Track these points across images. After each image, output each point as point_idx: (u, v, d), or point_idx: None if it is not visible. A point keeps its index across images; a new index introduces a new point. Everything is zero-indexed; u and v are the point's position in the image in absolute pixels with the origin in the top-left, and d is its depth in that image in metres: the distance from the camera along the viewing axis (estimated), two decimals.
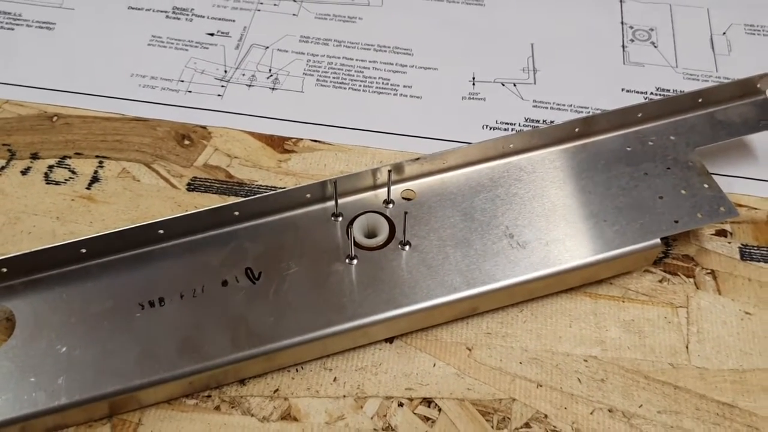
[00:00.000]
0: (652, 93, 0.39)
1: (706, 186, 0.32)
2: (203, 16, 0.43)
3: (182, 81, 0.40)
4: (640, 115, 0.34)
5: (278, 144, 0.37)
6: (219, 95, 0.39)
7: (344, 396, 0.29)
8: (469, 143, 0.33)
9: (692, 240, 0.33)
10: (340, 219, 0.32)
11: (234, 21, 0.43)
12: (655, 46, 0.42)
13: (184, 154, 0.37)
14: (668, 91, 0.39)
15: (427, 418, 0.28)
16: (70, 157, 0.36)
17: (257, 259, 0.30)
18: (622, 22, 0.43)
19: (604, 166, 0.33)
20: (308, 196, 0.32)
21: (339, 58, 0.41)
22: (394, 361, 0.29)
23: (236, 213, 0.31)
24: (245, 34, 0.42)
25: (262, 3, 0.44)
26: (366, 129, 0.38)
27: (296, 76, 0.40)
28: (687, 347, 0.30)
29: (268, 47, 0.42)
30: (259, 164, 0.36)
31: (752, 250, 0.33)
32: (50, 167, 0.36)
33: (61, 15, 0.43)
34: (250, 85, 0.40)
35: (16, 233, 0.33)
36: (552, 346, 0.30)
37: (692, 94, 0.34)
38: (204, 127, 0.38)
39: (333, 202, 0.32)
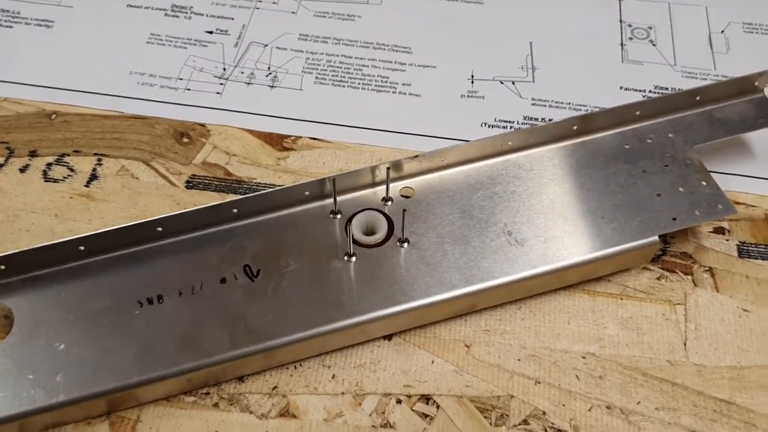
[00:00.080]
0: (650, 91, 0.39)
1: (704, 183, 0.32)
2: (202, 14, 0.43)
3: (181, 79, 0.40)
4: (638, 112, 0.34)
5: (277, 142, 0.37)
6: (218, 93, 0.39)
7: (343, 393, 0.29)
8: (468, 141, 0.33)
9: (690, 237, 0.33)
10: (339, 216, 0.32)
11: (233, 19, 0.43)
12: (654, 45, 0.42)
13: (183, 152, 0.37)
14: (667, 89, 0.40)
15: (425, 415, 0.28)
16: (68, 155, 0.36)
17: (256, 256, 0.30)
18: (620, 21, 0.43)
19: (602, 163, 0.33)
20: (307, 193, 0.32)
21: (338, 56, 0.41)
22: (392, 358, 0.30)
23: (235, 210, 0.31)
24: (244, 32, 0.42)
25: (261, 1, 0.44)
26: (365, 127, 0.38)
27: (295, 74, 0.40)
28: (685, 344, 0.30)
29: (266, 45, 0.42)
30: (258, 162, 0.36)
31: (750, 248, 0.33)
32: (49, 165, 0.36)
33: (60, 13, 0.43)
34: (248, 83, 0.40)
35: (14, 231, 0.33)
36: (550, 343, 0.30)
37: (690, 92, 0.34)
38: (203, 125, 0.38)
39: (332, 200, 0.32)
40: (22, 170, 0.36)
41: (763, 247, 0.33)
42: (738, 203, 0.34)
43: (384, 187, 0.32)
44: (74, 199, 0.35)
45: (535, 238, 0.31)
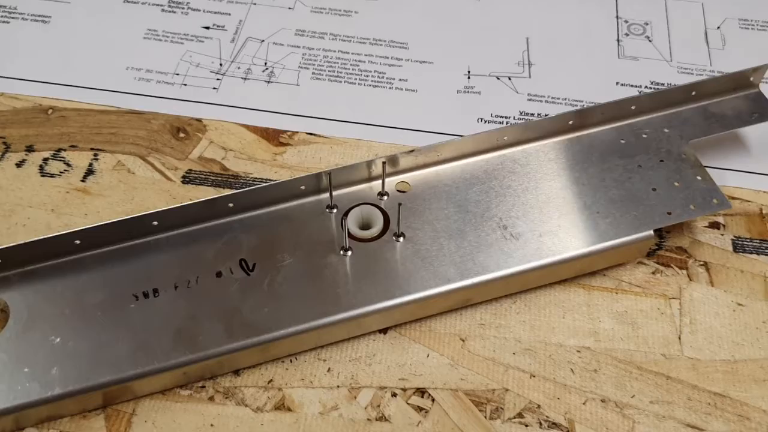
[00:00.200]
0: (646, 87, 0.40)
1: (699, 178, 0.32)
2: (199, 10, 0.43)
3: (177, 74, 0.40)
4: (633, 107, 0.34)
5: (273, 137, 0.37)
6: (214, 88, 0.39)
7: (338, 386, 0.29)
8: (464, 136, 0.33)
9: (685, 232, 0.33)
10: (335, 211, 0.32)
11: (230, 14, 0.43)
12: (650, 40, 0.42)
13: (179, 147, 0.37)
14: (663, 84, 0.40)
15: (420, 408, 0.28)
16: (65, 150, 0.36)
17: (252, 250, 0.30)
18: (617, 17, 0.43)
19: (597, 158, 0.33)
20: (303, 188, 0.32)
21: (335, 51, 0.41)
22: (388, 351, 0.30)
23: (231, 205, 0.31)
24: (241, 28, 0.42)
25: None
26: (361, 122, 0.38)
27: (292, 70, 0.40)
28: (679, 338, 0.30)
29: (263, 41, 0.42)
30: (254, 157, 0.36)
31: (745, 242, 0.33)
32: (45, 160, 0.36)
33: (57, 8, 0.43)
34: (245, 79, 0.40)
35: (10, 225, 0.33)
36: (545, 337, 0.30)
37: (686, 87, 0.35)
38: (199, 120, 0.38)
39: (328, 194, 0.32)
40: (19, 165, 0.36)
41: (757, 241, 0.33)
42: (733, 198, 0.34)
43: (380, 181, 0.32)
44: (70, 193, 0.35)
45: (530, 232, 0.31)
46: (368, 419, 0.28)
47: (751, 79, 0.35)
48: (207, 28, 0.42)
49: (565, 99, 0.39)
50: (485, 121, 0.38)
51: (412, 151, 0.32)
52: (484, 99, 0.39)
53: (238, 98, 0.39)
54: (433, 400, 0.28)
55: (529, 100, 0.39)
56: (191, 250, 0.30)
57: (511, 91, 0.40)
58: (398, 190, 0.32)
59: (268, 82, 0.40)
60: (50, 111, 0.38)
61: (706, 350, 0.30)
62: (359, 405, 0.28)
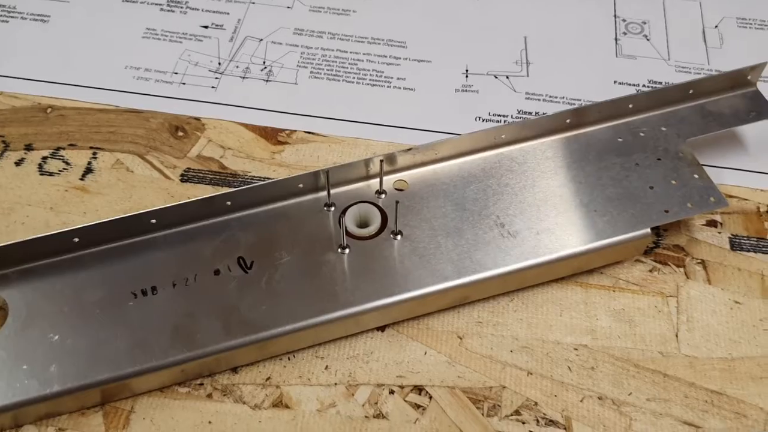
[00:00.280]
0: (644, 85, 0.40)
1: (696, 176, 0.33)
2: (197, 9, 0.43)
3: (176, 73, 0.40)
4: (631, 106, 0.35)
5: (272, 135, 0.37)
6: (213, 87, 0.40)
7: (336, 384, 0.29)
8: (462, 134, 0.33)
9: (683, 230, 0.33)
10: (333, 209, 0.32)
11: (228, 13, 0.43)
12: (648, 39, 0.42)
13: (178, 146, 0.37)
14: (660, 83, 0.40)
15: (417, 406, 0.28)
16: (64, 149, 0.37)
17: (250, 248, 0.30)
18: (615, 16, 0.43)
19: (595, 156, 0.34)
20: (301, 186, 0.32)
21: (333, 50, 0.41)
22: (385, 349, 0.30)
23: (229, 203, 0.31)
24: (239, 27, 0.42)
25: None
26: (359, 121, 0.38)
27: (290, 69, 0.40)
28: (677, 336, 0.30)
29: (262, 39, 0.42)
30: (253, 156, 0.37)
31: (742, 240, 0.33)
32: (44, 158, 0.36)
33: (56, 7, 0.43)
34: (244, 77, 0.40)
35: (9, 224, 0.33)
36: (542, 334, 0.30)
37: (683, 85, 0.35)
38: (198, 119, 0.38)
39: (325, 192, 0.32)
40: (18, 164, 0.36)
41: (755, 239, 0.33)
42: (730, 196, 0.34)
43: (378, 180, 0.32)
44: (69, 192, 0.35)
45: (527, 230, 0.31)
46: (366, 416, 0.28)
47: (749, 77, 0.35)
48: (206, 27, 0.43)
49: (563, 98, 0.39)
50: (483, 120, 0.38)
51: (409, 149, 0.32)
52: (482, 98, 0.39)
53: (236, 97, 0.39)
54: (430, 397, 0.28)
55: (527, 98, 0.39)
56: (189, 248, 0.30)
57: (509, 89, 0.40)
58: (396, 189, 0.33)
59: (267, 81, 0.40)
60: (49, 110, 0.38)
61: (703, 348, 0.30)
62: (357, 402, 0.28)
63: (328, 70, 0.41)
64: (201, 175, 0.36)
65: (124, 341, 0.28)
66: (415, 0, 0.44)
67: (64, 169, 0.36)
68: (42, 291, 0.29)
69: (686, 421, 0.28)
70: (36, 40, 0.42)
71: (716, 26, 0.42)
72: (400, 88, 0.40)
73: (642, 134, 0.34)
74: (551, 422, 0.28)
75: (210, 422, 0.28)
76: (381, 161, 0.32)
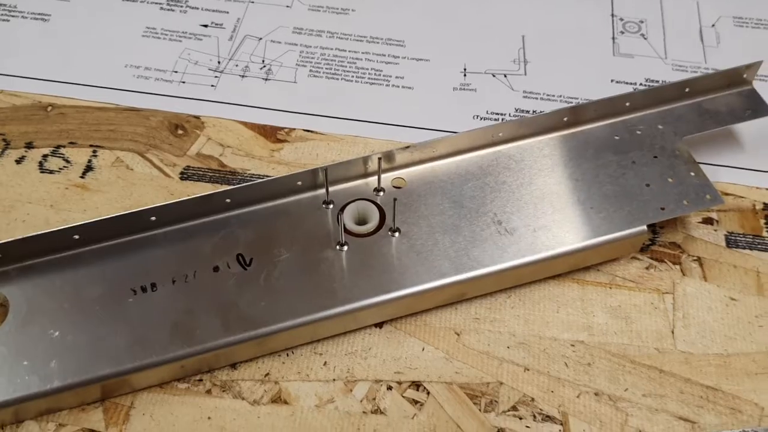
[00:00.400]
0: (641, 84, 0.40)
1: (692, 174, 0.33)
2: (197, 8, 0.44)
3: (176, 72, 0.40)
4: (628, 104, 0.35)
5: (271, 134, 0.38)
6: (212, 86, 0.40)
7: (334, 380, 0.29)
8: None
9: (679, 228, 0.34)
10: (331, 206, 0.32)
11: (228, 12, 0.43)
12: (645, 38, 0.42)
13: (178, 144, 0.37)
14: (657, 82, 0.40)
15: (415, 401, 0.28)
16: (64, 147, 0.37)
17: (249, 245, 0.31)
18: (612, 15, 0.43)
19: (592, 154, 0.34)
20: (299, 183, 0.32)
21: (332, 49, 0.42)
22: (383, 345, 0.30)
23: (228, 200, 0.31)
24: (239, 26, 0.43)
25: None
26: (358, 119, 0.38)
27: (289, 67, 0.41)
28: (673, 332, 0.30)
29: (261, 38, 0.42)
30: (252, 154, 0.37)
31: (738, 238, 0.33)
32: (44, 156, 0.36)
33: (56, 6, 0.44)
34: (243, 76, 0.40)
35: (10, 221, 0.34)
36: (539, 331, 0.30)
37: (679, 84, 0.35)
38: (197, 117, 0.38)
39: (324, 190, 0.32)
40: (18, 161, 0.36)
41: (750, 237, 0.33)
42: (726, 194, 0.35)
43: (376, 177, 0.32)
44: (69, 189, 0.35)
45: (524, 227, 0.31)
46: (364, 412, 0.28)
47: (745, 76, 0.36)
48: (205, 26, 0.43)
49: (561, 96, 0.39)
50: (481, 118, 0.38)
51: (407, 147, 0.33)
52: (479, 96, 0.39)
53: (236, 95, 0.39)
54: (428, 393, 0.29)
55: (524, 97, 0.39)
56: (189, 245, 0.31)
57: (507, 88, 0.40)
58: (394, 186, 0.33)
59: (266, 79, 0.40)
60: (50, 108, 0.38)
61: (698, 344, 0.30)
62: (355, 398, 0.28)
63: (327, 68, 0.41)
64: (200, 172, 0.36)
65: (124, 337, 0.28)
66: None
67: (65, 167, 0.36)
68: (42, 287, 0.29)
69: (682, 417, 0.28)
70: (36, 39, 0.42)
71: (713, 25, 0.42)
72: (398, 86, 0.40)
73: (639, 132, 0.35)
74: (548, 418, 0.28)
75: (209, 418, 0.28)
76: (379, 159, 0.32)
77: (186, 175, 0.36)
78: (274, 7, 0.44)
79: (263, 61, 0.41)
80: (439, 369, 0.29)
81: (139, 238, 0.31)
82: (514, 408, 0.28)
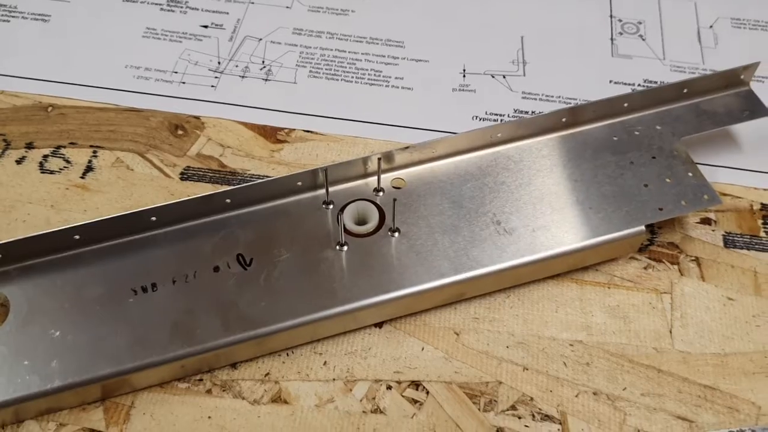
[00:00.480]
0: (639, 85, 0.40)
1: (690, 175, 0.33)
2: (197, 9, 0.44)
3: (176, 72, 0.40)
4: (626, 105, 0.35)
5: (271, 134, 0.38)
6: (212, 86, 0.40)
7: (334, 379, 0.29)
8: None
9: (677, 228, 0.34)
10: (331, 207, 0.32)
11: (228, 13, 0.44)
12: (643, 39, 0.42)
13: (178, 144, 0.37)
14: (656, 82, 0.40)
15: (415, 401, 0.29)
16: (64, 147, 0.37)
17: (249, 245, 0.31)
18: (611, 15, 0.44)
19: (590, 155, 0.34)
20: (299, 184, 0.32)
21: (331, 50, 0.42)
22: (383, 345, 0.30)
23: (228, 200, 0.31)
24: (239, 26, 0.43)
25: None
26: (358, 120, 0.39)
27: (289, 68, 0.41)
28: (671, 332, 0.30)
29: (261, 39, 0.42)
30: (252, 154, 0.37)
31: (736, 238, 0.33)
32: (45, 157, 0.36)
33: (57, 7, 0.44)
34: (243, 77, 0.40)
35: (10, 221, 0.34)
36: (538, 330, 0.30)
37: (677, 84, 0.35)
38: (197, 118, 0.38)
39: (324, 190, 0.32)
40: (19, 162, 0.36)
41: (748, 237, 0.33)
42: (724, 194, 0.35)
43: (375, 178, 0.33)
44: (70, 190, 0.35)
45: (523, 227, 0.31)
46: (363, 412, 0.28)
47: (742, 77, 0.36)
48: (205, 26, 0.43)
49: (559, 97, 0.40)
50: (480, 119, 0.39)
51: (407, 147, 0.33)
52: (479, 97, 0.40)
53: (235, 96, 0.39)
54: (427, 392, 0.29)
55: (523, 98, 0.40)
56: (189, 245, 0.31)
57: (506, 89, 0.40)
58: (393, 186, 0.33)
59: (266, 80, 0.40)
60: (50, 108, 0.39)
61: (696, 344, 0.30)
62: (355, 398, 0.29)
63: (326, 69, 0.41)
64: (201, 173, 0.36)
65: (125, 337, 0.28)
66: (412, 0, 0.44)
67: (65, 167, 0.36)
68: (43, 287, 0.30)
69: (680, 416, 0.28)
70: (37, 40, 0.42)
71: (711, 26, 0.43)
72: (398, 87, 0.40)
73: (637, 133, 0.35)
74: (547, 417, 0.28)
75: (209, 417, 0.28)
76: (379, 159, 0.32)
77: (186, 176, 0.36)
78: (274, 8, 0.44)
79: (263, 61, 0.41)
80: (438, 368, 0.29)
81: (139, 239, 0.31)
82: (513, 407, 0.28)
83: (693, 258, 0.33)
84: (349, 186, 0.33)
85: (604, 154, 0.34)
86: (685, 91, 0.35)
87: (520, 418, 0.28)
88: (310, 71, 0.41)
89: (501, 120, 0.38)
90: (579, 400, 0.29)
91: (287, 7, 0.44)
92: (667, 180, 0.33)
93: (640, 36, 0.42)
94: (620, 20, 0.43)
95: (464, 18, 0.43)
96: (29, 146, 0.37)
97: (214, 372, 0.29)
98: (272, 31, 0.43)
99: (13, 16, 0.43)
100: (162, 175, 0.36)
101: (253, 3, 0.44)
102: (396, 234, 0.31)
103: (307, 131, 0.38)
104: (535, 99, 0.39)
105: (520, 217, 0.31)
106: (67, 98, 0.39)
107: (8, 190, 0.35)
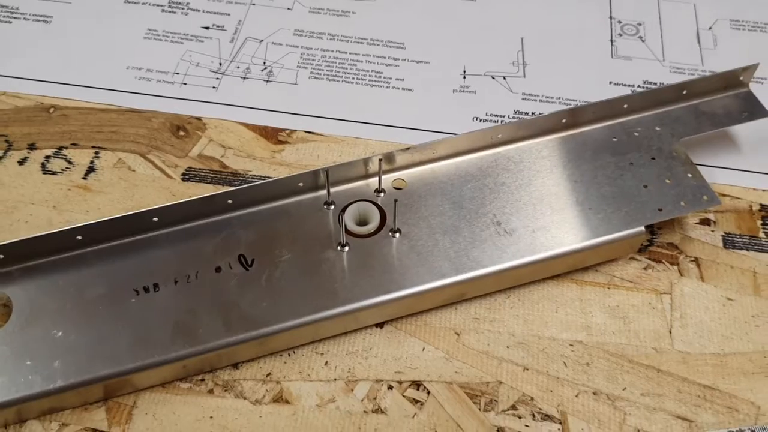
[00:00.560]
0: (639, 86, 0.40)
1: (689, 175, 0.33)
2: (198, 10, 0.44)
3: (177, 73, 0.41)
4: (626, 106, 0.35)
5: (272, 135, 0.38)
6: (214, 87, 0.40)
7: (335, 379, 0.29)
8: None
9: (677, 228, 0.34)
10: (332, 207, 0.32)
11: (229, 15, 0.44)
12: (643, 41, 0.42)
13: (179, 145, 0.37)
14: (655, 84, 0.40)
15: (415, 401, 0.29)
16: (66, 148, 0.37)
17: (250, 246, 0.31)
18: (610, 17, 0.44)
19: (590, 156, 0.34)
20: (301, 184, 0.32)
21: (332, 51, 0.42)
22: (384, 345, 0.30)
23: (230, 201, 0.32)
24: (240, 28, 0.43)
25: None
26: (359, 121, 0.39)
27: (290, 69, 0.41)
28: (670, 332, 0.31)
29: (262, 40, 0.42)
30: (253, 155, 0.37)
31: (735, 239, 0.34)
32: (47, 157, 0.37)
33: (58, 8, 0.44)
34: (244, 78, 0.40)
35: (13, 222, 0.34)
36: (538, 331, 0.31)
37: (677, 86, 0.35)
38: (199, 119, 0.38)
39: (325, 191, 0.32)
40: (21, 163, 0.36)
41: (747, 237, 0.34)
42: (723, 195, 0.35)
43: (376, 178, 0.33)
44: (72, 190, 0.35)
45: (523, 228, 0.31)
46: (365, 411, 0.28)
47: (741, 78, 0.36)
48: (207, 28, 0.43)
49: (559, 98, 0.40)
50: (480, 120, 0.39)
51: (408, 148, 0.33)
52: (479, 98, 0.40)
53: (237, 97, 0.39)
54: (428, 392, 0.29)
55: (523, 99, 0.40)
56: (191, 246, 0.31)
57: (506, 90, 0.40)
58: (394, 187, 0.33)
59: (267, 81, 0.40)
60: (52, 109, 0.39)
61: (696, 344, 0.30)
62: (356, 398, 0.29)
63: (327, 70, 0.41)
64: (202, 174, 0.36)
65: (127, 337, 0.28)
66: (413, 2, 0.45)
67: (67, 168, 0.36)
68: (45, 288, 0.30)
69: (679, 416, 0.28)
70: (39, 41, 0.42)
71: (710, 28, 0.43)
72: (398, 88, 0.40)
73: (636, 134, 0.35)
74: (547, 417, 0.28)
75: (211, 417, 0.28)
76: (380, 160, 0.32)
77: (188, 176, 0.36)
78: (275, 10, 0.44)
79: (264, 62, 0.41)
80: (439, 369, 0.29)
81: (141, 239, 0.31)
82: (513, 407, 0.29)
83: (692, 258, 0.33)
84: (350, 187, 0.33)
85: (603, 155, 0.34)
86: (684, 92, 0.35)
87: (520, 417, 0.28)
88: (311, 72, 0.41)
89: (501, 121, 0.39)
90: (579, 400, 0.29)
91: (288, 9, 0.44)
92: (667, 181, 0.33)
93: (640, 37, 0.43)
94: (620, 22, 0.43)
95: (464, 19, 0.44)
96: (31, 147, 0.37)
97: (215, 372, 0.29)
98: (273, 32, 0.43)
99: (15, 18, 0.43)
100: (164, 175, 0.36)
101: (254, 4, 0.44)
102: (397, 234, 0.31)
103: (309, 132, 0.38)
104: (535, 100, 0.40)
105: (521, 218, 0.32)
106: (69, 99, 0.39)
107: (10, 191, 0.35)
